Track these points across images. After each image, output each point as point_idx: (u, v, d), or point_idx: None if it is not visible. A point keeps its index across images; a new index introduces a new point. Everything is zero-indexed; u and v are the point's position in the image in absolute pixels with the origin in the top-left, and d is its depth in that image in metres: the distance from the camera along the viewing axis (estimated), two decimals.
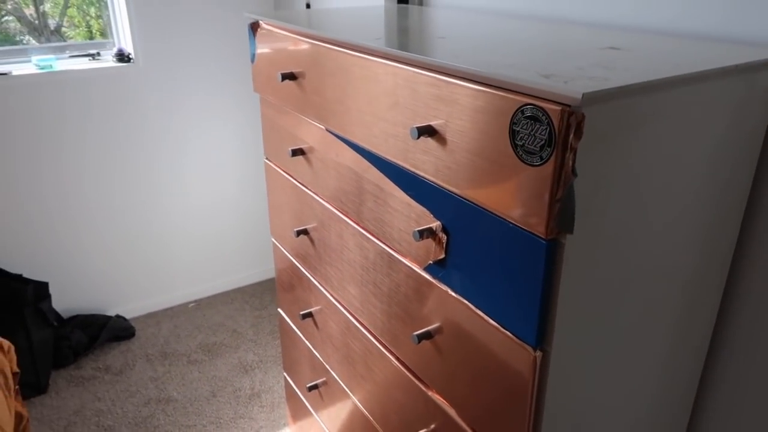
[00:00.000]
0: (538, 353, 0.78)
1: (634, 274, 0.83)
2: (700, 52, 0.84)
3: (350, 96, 1.02)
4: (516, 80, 0.68)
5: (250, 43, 1.39)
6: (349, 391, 1.37)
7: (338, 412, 1.46)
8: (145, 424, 2.01)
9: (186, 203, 2.55)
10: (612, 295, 0.81)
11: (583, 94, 0.61)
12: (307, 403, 1.66)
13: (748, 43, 0.91)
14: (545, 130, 0.66)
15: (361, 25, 1.20)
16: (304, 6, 2.20)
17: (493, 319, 0.84)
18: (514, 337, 0.81)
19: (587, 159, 0.67)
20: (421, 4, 1.59)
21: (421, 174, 0.90)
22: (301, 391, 1.70)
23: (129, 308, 2.57)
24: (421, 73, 0.84)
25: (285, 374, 1.79)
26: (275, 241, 1.59)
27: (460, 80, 0.77)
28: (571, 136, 0.64)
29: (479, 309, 0.86)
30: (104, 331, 2.36)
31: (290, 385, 1.77)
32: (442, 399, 1.02)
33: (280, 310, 1.69)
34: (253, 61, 1.40)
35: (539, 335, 0.77)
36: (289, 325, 1.64)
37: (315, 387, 1.55)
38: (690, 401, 1.11)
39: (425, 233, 0.91)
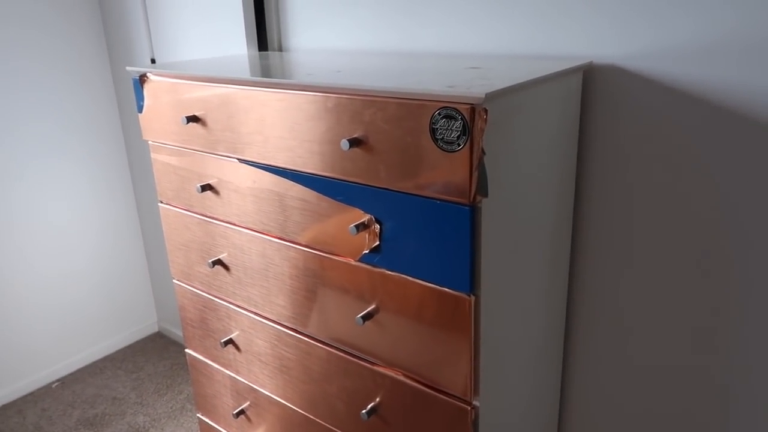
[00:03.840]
0: (472, 297, 1.02)
1: (521, 226, 1.11)
2: (533, 66, 1.17)
3: (270, 126, 1.19)
4: (432, 92, 0.93)
5: (137, 95, 1.47)
6: (284, 401, 1.48)
7: (272, 427, 1.56)
8: None
9: (30, 276, 2.38)
10: (511, 242, 1.09)
11: (486, 94, 0.88)
12: None
13: (559, 59, 1.27)
14: (460, 124, 0.91)
15: (255, 69, 1.37)
16: (149, 61, 2.26)
17: (430, 282, 1.06)
18: (450, 290, 1.04)
19: (487, 141, 0.93)
20: (281, 50, 1.79)
21: (351, 179, 1.10)
22: (222, 425, 1.73)
23: None
24: (343, 97, 1.05)
25: (199, 415, 1.81)
26: (179, 282, 1.64)
27: (382, 98, 0.99)
28: (479, 125, 0.90)
29: (416, 278, 1.08)
30: None
31: (207, 424, 1.79)
32: (388, 369, 1.20)
33: (189, 350, 1.72)
34: (140, 111, 1.48)
35: (471, 283, 1.01)
36: (202, 362, 1.69)
37: (242, 412, 1.62)
38: (563, 319, 1.43)
39: (360, 227, 1.11)
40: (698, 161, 1.16)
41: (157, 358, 2.64)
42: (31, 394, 2.44)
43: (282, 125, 1.17)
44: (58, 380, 2.52)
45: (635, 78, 1.19)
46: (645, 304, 1.31)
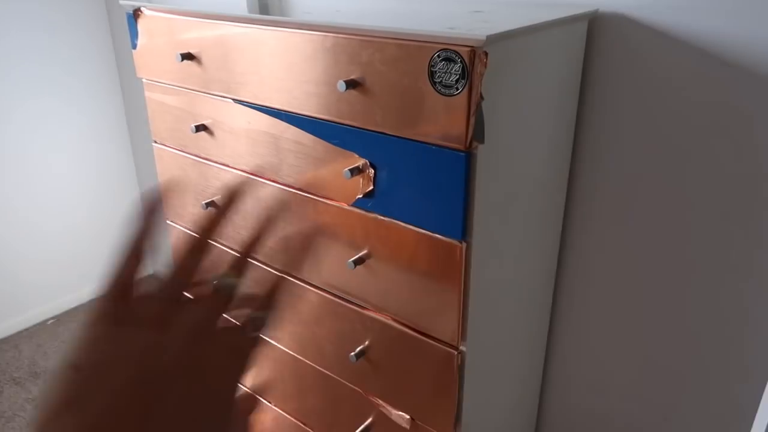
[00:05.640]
0: (463, 244, 1.02)
1: (516, 175, 1.11)
2: (538, 12, 1.14)
3: (266, 66, 1.16)
4: (432, 33, 0.91)
5: (131, 31, 1.43)
6: (274, 342, 1.50)
7: (262, 367, 1.59)
8: None
9: (25, 215, 2.38)
10: (505, 191, 1.08)
11: (487, 36, 0.86)
12: None
13: (565, 6, 1.24)
14: (459, 67, 0.89)
15: (253, 6, 1.34)
16: None
17: (422, 228, 1.06)
18: (442, 237, 1.04)
19: (486, 87, 0.92)
20: None
21: (347, 122, 1.08)
22: None
23: None
24: (341, 37, 1.02)
25: None
26: (172, 223, 1.64)
27: (380, 38, 0.97)
28: (479, 69, 0.88)
29: (409, 223, 1.08)
30: None
31: None
32: (377, 314, 1.22)
33: None
34: (134, 48, 1.45)
35: (463, 230, 1.01)
36: None
37: None
38: (554, 268, 1.45)
39: (354, 171, 1.10)
40: (709, 119, 1.15)
41: None
42: (27, 329, 2.47)
43: (278, 65, 1.14)
44: (53, 317, 2.55)
45: (644, 29, 1.16)
46: (639, 258, 1.32)
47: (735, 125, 1.12)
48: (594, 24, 1.21)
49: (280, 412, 1.60)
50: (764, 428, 0.79)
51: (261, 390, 1.63)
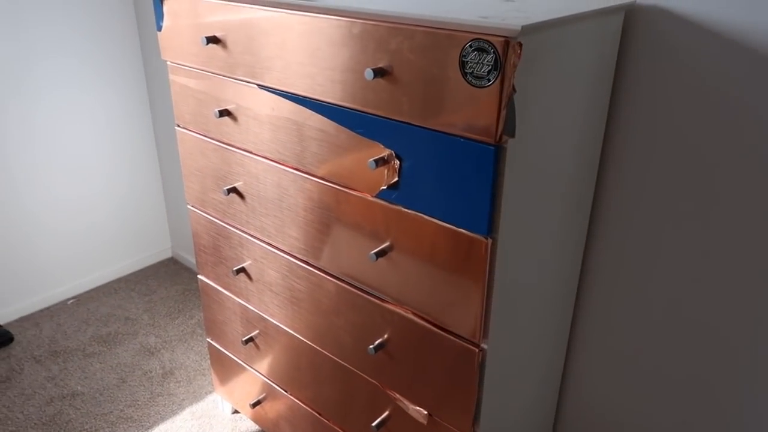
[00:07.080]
0: (489, 240, 1.00)
1: (545, 171, 1.08)
2: (569, 2, 1.10)
3: (290, 51, 1.14)
4: (465, 22, 0.88)
5: (156, 12, 1.42)
6: (292, 332, 1.49)
7: (279, 356, 1.58)
8: (54, 422, 1.92)
9: (48, 195, 2.40)
10: (533, 187, 1.05)
11: (522, 27, 0.82)
12: (239, 360, 1.75)
13: None
14: (492, 58, 0.86)
15: None
16: None
17: (447, 222, 1.04)
18: (467, 232, 1.01)
19: (519, 79, 0.88)
20: None
21: (372, 111, 1.06)
22: (230, 351, 1.77)
23: None
24: (369, 23, 0.99)
25: (209, 340, 1.84)
26: (193, 208, 1.63)
27: (410, 26, 0.94)
28: (513, 60, 0.85)
29: (433, 217, 1.05)
30: None
31: (216, 349, 1.83)
32: (398, 308, 1.20)
33: (201, 276, 1.74)
34: (159, 30, 1.44)
35: (489, 226, 0.99)
36: (214, 288, 1.70)
37: (250, 340, 1.65)
38: (578, 266, 1.42)
39: (379, 162, 1.08)
40: (754, 119, 1.10)
41: (170, 283, 2.68)
42: (48, 308, 2.50)
43: (303, 50, 1.12)
44: (73, 297, 2.57)
45: (684, 22, 1.12)
46: (664, 261, 1.28)
47: None
48: (630, 16, 1.17)
49: (296, 400, 1.60)
50: None
51: (277, 378, 1.62)
